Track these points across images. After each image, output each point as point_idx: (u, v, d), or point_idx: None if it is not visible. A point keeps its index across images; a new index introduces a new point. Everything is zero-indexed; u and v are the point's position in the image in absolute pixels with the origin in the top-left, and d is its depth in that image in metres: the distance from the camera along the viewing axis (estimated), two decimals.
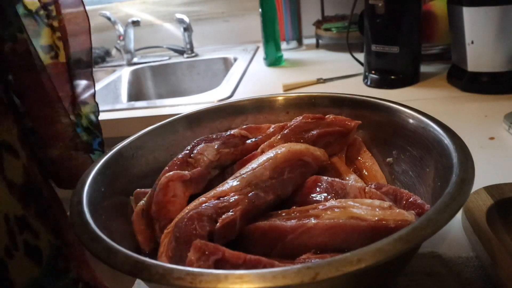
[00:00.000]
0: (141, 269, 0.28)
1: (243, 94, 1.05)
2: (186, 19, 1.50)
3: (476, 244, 0.42)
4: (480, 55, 0.82)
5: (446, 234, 0.46)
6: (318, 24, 1.40)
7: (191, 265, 0.32)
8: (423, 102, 0.83)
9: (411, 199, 0.38)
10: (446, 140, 0.40)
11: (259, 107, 0.57)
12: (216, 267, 0.32)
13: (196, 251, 0.33)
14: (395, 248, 0.27)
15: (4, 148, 0.48)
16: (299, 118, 0.49)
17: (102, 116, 0.87)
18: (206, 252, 0.32)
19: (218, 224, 0.37)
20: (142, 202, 0.43)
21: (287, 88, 1.01)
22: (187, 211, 0.38)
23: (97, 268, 0.62)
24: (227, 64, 1.49)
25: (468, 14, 0.80)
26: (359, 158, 0.50)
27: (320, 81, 1.04)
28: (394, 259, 0.27)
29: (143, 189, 0.46)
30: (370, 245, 0.27)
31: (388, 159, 0.49)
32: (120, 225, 0.42)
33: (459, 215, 0.47)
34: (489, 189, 0.47)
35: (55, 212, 0.57)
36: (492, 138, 0.65)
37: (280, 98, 0.57)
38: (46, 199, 0.54)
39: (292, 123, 0.49)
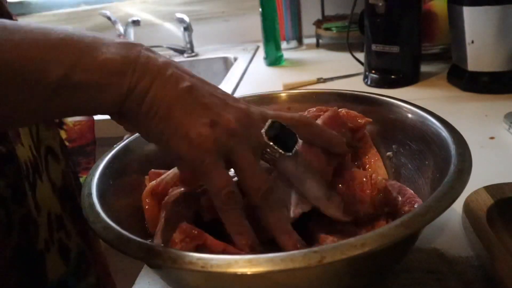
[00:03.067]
0: (154, 255, 0.30)
1: (244, 93, 1.04)
2: (186, 19, 1.50)
3: (476, 244, 0.42)
4: (480, 54, 0.82)
5: (446, 234, 0.46)
6: (318, 23, 1.40)
7: (174, 246, 0.34)
8: (423, 102, 0.82)
9: (413, 200, 0.39)
10: (444, 133, 0.41)
11: (262, 103, 0.57)
12: (197, 251, 0.33)
13: (181, 233, 0.34)
14: (396, 233, 0.29)
15: (50, 152, 0.53)
16: (312, 110, 0.49)
17: (103, 116, 0.87)
18: (189, 236, 0.34)
19: (203, 198, 0.39)
20: (154, 182, 0.44)
21: (287, 88, 1.01)
22: (174, 191, 0.40)
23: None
24: (227, 63, 1.49)
25: (468, 13, 0.80)
26: (365, 153, 0.51)
27: (320, 80, 1.04)
28: (396, 244, 0.29)
29: (157, 170, 0.46)
30: (373, 231, 0.29)
31: (388, 153, 0.49)
32: (129, 215, 0.42)
33: (460, 214, 0.47)
34: (489, 189, 0.47)
35: None
36: (492, 138, 0.65)
37: (283, 94, 0.58)
38: (79, 203, 0.57)
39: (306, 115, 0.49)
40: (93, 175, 0.42)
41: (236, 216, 0.35)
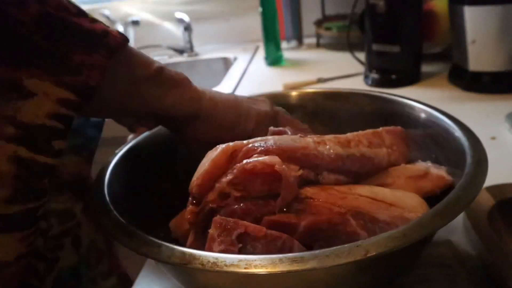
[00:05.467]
0: (189, 261, 0.29)
1: (243, 93, 1.04)
2: (186, 18, 1.50)
3: (478, 244, 0.41)
4: (481, 54, 0.82)
5: (451, 233, 0.45)
6: (318, 23, 1.39)
7: (213, 241, 0.32)
8: (424, 102, 0.83)
9: None
10: (452, 128, 0.42)
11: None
12: (239, 241, 0.32)
13: (217, 228, 0.33)
14: (435, 224, 0.30)
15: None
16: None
17: None
18: (228, 227, 0.32)
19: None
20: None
21: (288, 88, 1.01)
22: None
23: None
24: (227, 63, 1.49)
25: (470, 13, 0.80)
26: None
27: (320, 80, 1.03)
28: (432, 234, 0.30)
29: None
30: (410, 223, 0.30)
31: None
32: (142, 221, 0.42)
33: (460, 215, 0.46)
34: (491, 189, 0.47)
35: None
36: (493, 138, 0.65)
37: (280, 95, 0.58)
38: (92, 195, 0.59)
39: None
40: (102, 181, 0.41)
41: None
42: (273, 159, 0.34)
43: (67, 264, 0.52)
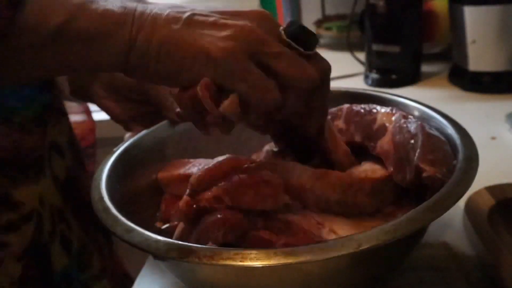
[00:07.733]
0: (186, 254, 0.30)
1: None
2: None
3: (478, 245, 0.41)
4: (481, 54, 0.82)
5: (447, 235, 0.45)
6: (318, 23, 1.39)
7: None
8: (424, 102, 0.83)
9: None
10: (447, 127, 0.42)
11: None
12: None
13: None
14: (425, 218, 0.31)
15: (54, 148, 0.55)
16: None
17: (104, 116, 0.87)
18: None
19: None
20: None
21: None
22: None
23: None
24: None
25: (470, 13, 0.80)
26: None
27: None
28: (423, 229, 0.32)
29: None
30: (401, 217, 0.30)
31: None
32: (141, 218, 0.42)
33: (460, 215, 0.46)
34: (491, 189, 0.47)
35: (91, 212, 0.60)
36: (493, 138, 0.65)
37: None
38: (84, 198, 0.59)
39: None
40: (100, 179, 0.41)
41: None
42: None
43: (59, 268, 0.52)
